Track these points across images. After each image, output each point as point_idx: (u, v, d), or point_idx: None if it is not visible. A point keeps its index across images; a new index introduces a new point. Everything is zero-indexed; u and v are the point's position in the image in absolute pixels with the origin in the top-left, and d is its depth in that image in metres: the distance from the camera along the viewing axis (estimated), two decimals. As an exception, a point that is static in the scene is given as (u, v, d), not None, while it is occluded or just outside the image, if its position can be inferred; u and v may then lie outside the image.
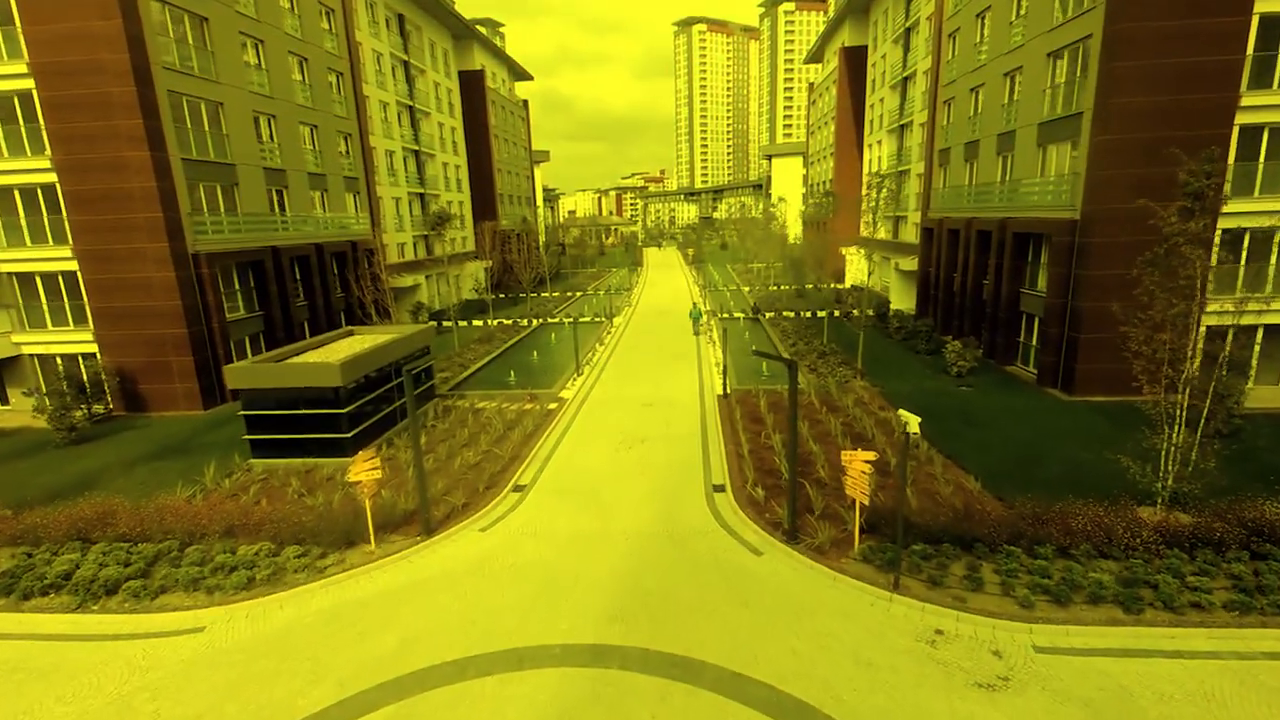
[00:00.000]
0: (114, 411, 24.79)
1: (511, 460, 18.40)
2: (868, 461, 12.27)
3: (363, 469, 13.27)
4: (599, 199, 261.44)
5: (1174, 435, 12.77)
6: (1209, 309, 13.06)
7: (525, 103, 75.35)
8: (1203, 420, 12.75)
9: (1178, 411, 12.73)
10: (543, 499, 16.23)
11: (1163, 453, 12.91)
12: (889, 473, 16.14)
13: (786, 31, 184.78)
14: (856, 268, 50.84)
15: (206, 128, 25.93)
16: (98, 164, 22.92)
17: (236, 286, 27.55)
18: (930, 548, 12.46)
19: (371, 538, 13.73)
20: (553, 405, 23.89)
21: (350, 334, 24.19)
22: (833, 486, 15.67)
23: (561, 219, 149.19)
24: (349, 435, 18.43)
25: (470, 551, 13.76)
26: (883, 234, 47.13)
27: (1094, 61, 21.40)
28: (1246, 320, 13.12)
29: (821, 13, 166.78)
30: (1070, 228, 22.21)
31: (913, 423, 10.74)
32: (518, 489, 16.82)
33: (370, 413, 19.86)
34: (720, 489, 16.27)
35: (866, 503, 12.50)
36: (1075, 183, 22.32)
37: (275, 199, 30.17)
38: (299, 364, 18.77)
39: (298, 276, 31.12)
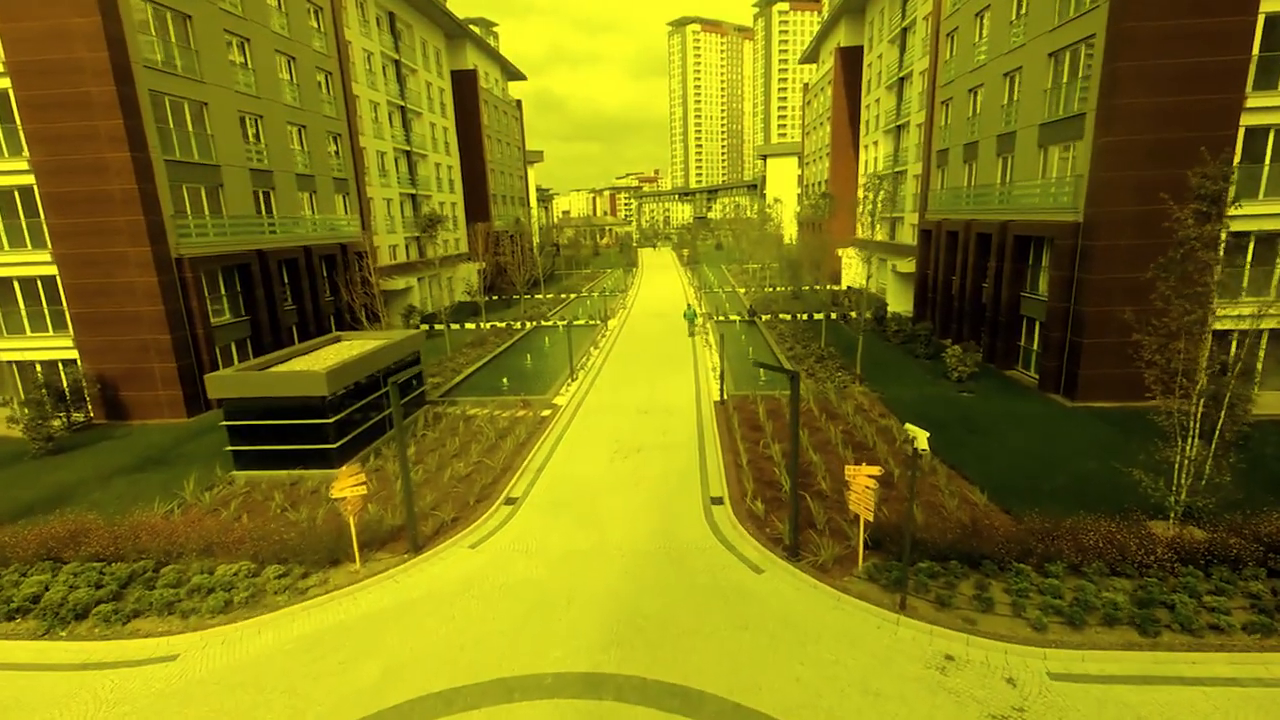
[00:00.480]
0: (94, 420, 24.13)
1: (503, 471, 17.86)
2: (872, 477, 11.81)
3: (347, 484, 12.71)
4: (593, 199, 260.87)
5: (1188, 447, 12.36)
6: (1219, 314, 12.69)
7: (518, 102, 74.75)
8: (1217, 432, 12.32)
9: (1191, 423, 12.32)
10: (535, 512, 15.71)
11: (1176, 465, 12.49)
12: (892, 484, 15.69)
13: (781, 31, 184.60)
14: (856, 271, 50.43)
15: (190, 128, 25.28)
16: (77, 165, 22.26)
17: (222, 290, 26.89)
18: (937, 565, 12.00)
19: (356, 556, 13.18)
20: (546, 412, 23.36)
21: (338, 340, 23.59)
22: (834, 498, 15.23)
23: (556, 219, 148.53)
24: (335, 446, 17.86)
25: (459, 570, 13.23)
26: (880, 235, 46.78)
27: (1097, 62, 21.02)
28: (1267, 324, 12.72)
29: (816, 13, 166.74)
30: (1073, 230, 21.83)
31: (921, 438, 10.28)
32: (509, 502, 16.29)
33: (359, 420, 19.30)
34: (718, 501, 15.78)
35: (871, 519, 12.03)
36: (1078, 185, 21.94)
37: (262, 201, 29.51)
38: (283, 372, 18.16)
39: (285, 280, 30.48)
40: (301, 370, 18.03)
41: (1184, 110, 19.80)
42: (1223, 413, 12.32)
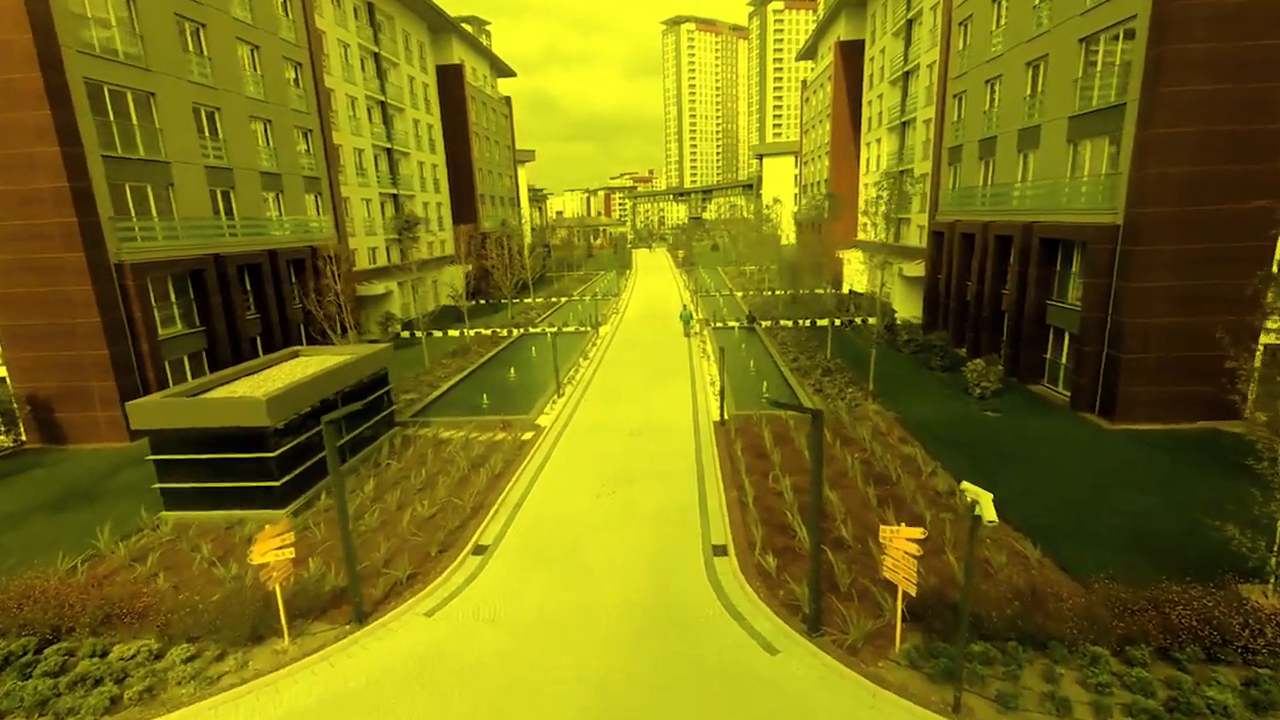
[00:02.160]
0: (26, 444, 21.71)
1: (474, 512, 15.54)
2: (913, 540, 9.60)
3: (269, 547, 10.40)
4: (587, 199, 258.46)
5: (1293, 499, 10.19)
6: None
7: (508, 99, 72.32)
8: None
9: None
10: (507, 566, 13.41)
11: (1278, 520, 10.32)
12: (925, 534, 13.43)
13: (776, 31, 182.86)
14: (870, 279, 48.13)
15: (134, 121, 22.85)
16: (1, 161, 19.87)
17: (173, 300, 24.46)
18: (994, 648, 9.79)
19: (285, 632, 10.86)
20: (528, 435, 21.06)
21: (296, 355, 21.21)
22: (857, 549, 13.02)
23: (550, 219, 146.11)
24: (280, 483, 15.50)
25: (411, 646, 10.91)
26: (886, 237, 44.56)
27: (1140, 47, 18.88)
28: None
29: (811, 11, 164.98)
30: (1111, 234, 19.67)
31: (986, 503, 8.03)
32: (478, 550, 13.99)
33: (314, 449, 16.88)
34: (722, 551, 13.52)
35: (913, 592, 9.79)
36: (1116, 183, 19.80)
37: (220, 201, 27.09)
38: (217, 399, 15.77)
39: (247, 287, 28.11)
40: (240, 396, 15.67)
41: (1241, 99, 17.68)
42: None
